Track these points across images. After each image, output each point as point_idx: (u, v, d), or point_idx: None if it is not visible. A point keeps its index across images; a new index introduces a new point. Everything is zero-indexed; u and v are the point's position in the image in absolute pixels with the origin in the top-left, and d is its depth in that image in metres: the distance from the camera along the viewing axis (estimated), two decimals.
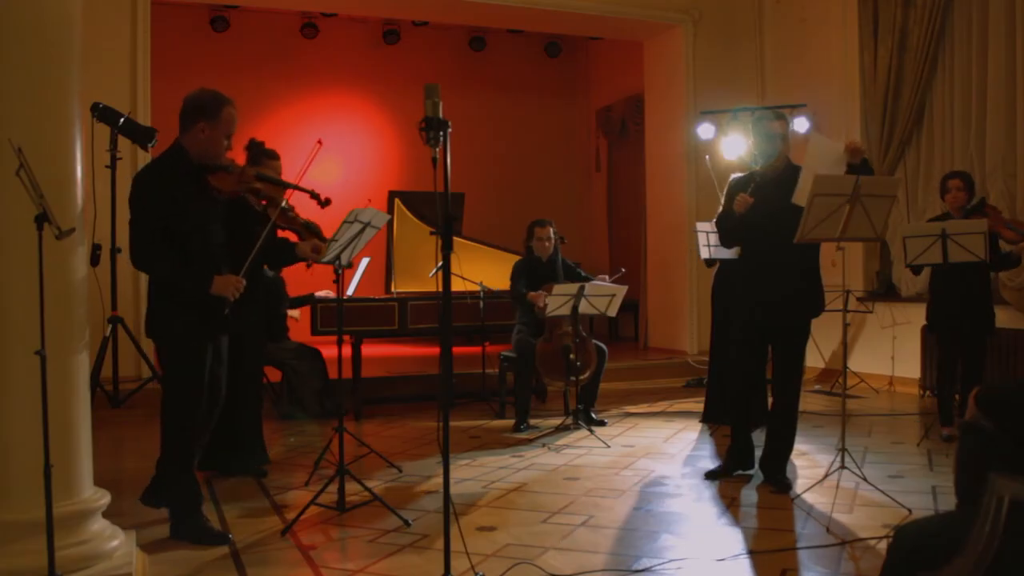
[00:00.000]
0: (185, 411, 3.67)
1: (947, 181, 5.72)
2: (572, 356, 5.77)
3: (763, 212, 4.37)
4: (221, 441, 4.68)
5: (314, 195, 4.14)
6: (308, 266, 4.52)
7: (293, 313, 6.54)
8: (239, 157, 4.70)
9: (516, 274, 6.25)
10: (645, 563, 3.34)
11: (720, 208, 4.73)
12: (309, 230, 4.52)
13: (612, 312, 5.96)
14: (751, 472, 4.67)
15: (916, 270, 5.94)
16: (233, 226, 3.94)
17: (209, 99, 3.64)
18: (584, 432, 5.85)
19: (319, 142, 3.88)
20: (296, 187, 4.14)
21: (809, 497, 4.23)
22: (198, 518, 3.68)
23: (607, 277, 6.23)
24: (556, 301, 5.71)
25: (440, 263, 2.99)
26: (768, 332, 4.55)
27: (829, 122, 8.42)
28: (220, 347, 3.82)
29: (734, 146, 8.56)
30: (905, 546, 2.11)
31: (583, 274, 6.39)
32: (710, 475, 4.68)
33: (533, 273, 6.24)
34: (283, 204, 4.71)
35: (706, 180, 8.93)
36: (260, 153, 4.83)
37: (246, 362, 4.75)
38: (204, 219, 3.67)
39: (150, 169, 3.70)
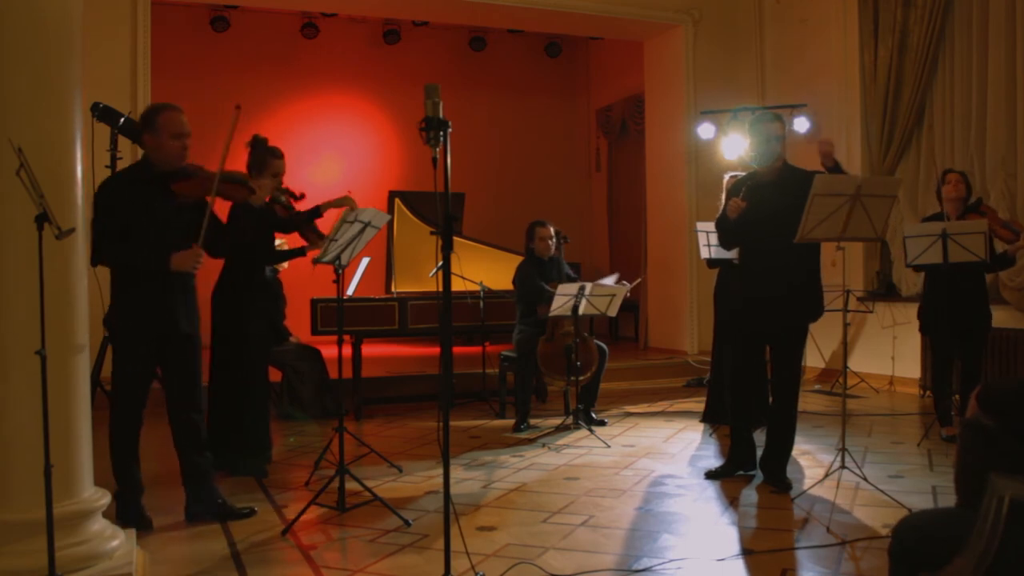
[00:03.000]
0: (120, 406, 3.88)
1: (945, 175, 5.75)
2: (574, 356, 5.77)
3: (762, 214, 4.37)
4: (228, 442, 4.69)
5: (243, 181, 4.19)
6: (314, 263, 4.53)
7: (294, 339, 6.47)
8: (242, 154, 4.70)
9: (529, 274, 6.21)
10: (645, 563, 3.34)
11: (720, 209, 4.74)
12: (312, 229, 4.68)
13: (612, 312, 5.96)
14: (752, 473, 4.67)
15: (919, 269, 5.94)
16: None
17: (146, 111, 3.90)
18: (584, 432, 5.85)
19: (237, 107, 3.75)
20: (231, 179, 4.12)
21: (809, 497, 4.23)
22: (138, 506, 3.87)
23: (626, 282, 6.17)
24: (556, 301, 5.71)
25: (440, 263, 2.99)
26: (766, 333, 4.56)
27: (829, 122, 8.42)
28: (182, 352, 3.94)
29: (734, 146, 8.57)
30: (906, 544, 2.11)
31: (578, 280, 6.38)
32: (711, 475, 4.68)
33: (539, 273, 6.23)
34: (283, 200, 4.74)
35: (706, 180, 8.96)
36: (264, 151, 4.81)
37: (253, 365, 4.76)
38: (166, 223, 3.82)
39: (113, 175, 4.03)
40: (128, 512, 3.81)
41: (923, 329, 5.85)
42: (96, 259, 3.80)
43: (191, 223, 3.83)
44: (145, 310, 3.79)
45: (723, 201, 4.81)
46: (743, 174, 5.00)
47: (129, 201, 3.75)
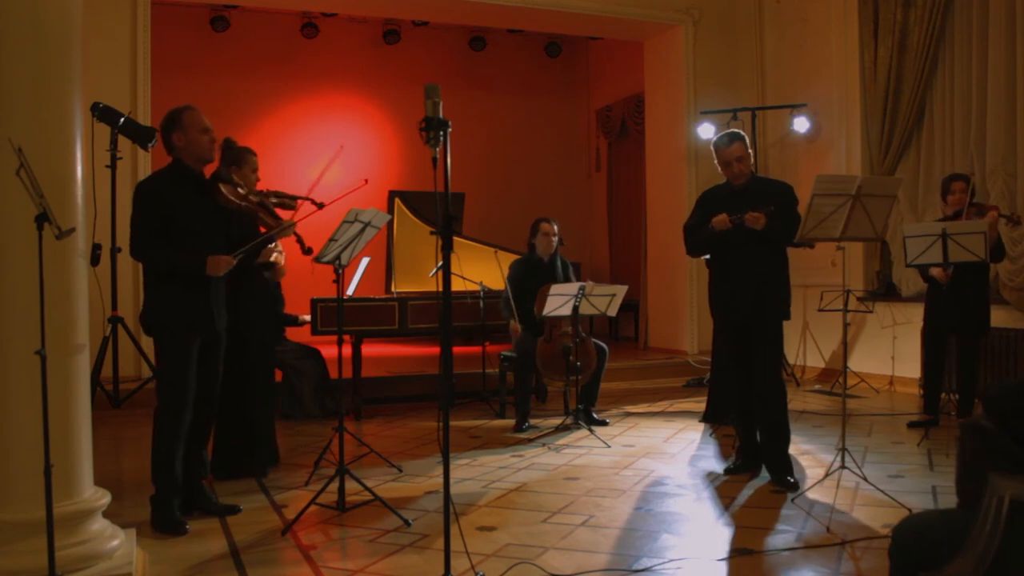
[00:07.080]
0: (171, 405, 3.84)
1: (951, 183, 5.85)
2: (572, 357, 5.77)
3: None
4: (231, 443, 4.69)
5: (319, 205, 4.29)
6: (314, 262, 4.52)
7: (304, 317, 6.52)
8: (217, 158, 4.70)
9: (512, 278, 6.27)
10: (645, 563, 3.34)
11: (690, 217, 4.85)
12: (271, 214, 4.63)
13: (612, 312, 5.96)
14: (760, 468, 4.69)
15: (923, 275, 6.01)
16: (237, 236, 4.10)
17: (168, 115, 3.97)
18: (584, 432, 5.85)
19: (341, 146, 4.01)
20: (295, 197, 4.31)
21: (809, 497, 4.24)
22: (171, 510, 3.83)
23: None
24: (556, 301, 5.70)
25: (440, 263, 2.99)
26: (745, 334, 4.61)
27: (829, 122, 8.43)
28: (213, 350, 4.00)
29: None
30: (905, 544, 2.11)
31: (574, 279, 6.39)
32: (729, 471, 4.73)
33: (532, 273, 6.23)
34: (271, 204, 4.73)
35: (706, 180, 8.94)
36: (237, 152, 4.74)
37: (254, 366, 4.75)
38: (203, 221, 3.92)
39: (150, 176, 4.12)
40: (164, 519, 3.78)
41: (927, 323, 6.02)
42: (136, 256, 3.88)
43: (230, 229, 4.01)
44: (182, 306, 3.84)
45: (693, 209, 4.93)
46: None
47: (169, 200, 3.82)
